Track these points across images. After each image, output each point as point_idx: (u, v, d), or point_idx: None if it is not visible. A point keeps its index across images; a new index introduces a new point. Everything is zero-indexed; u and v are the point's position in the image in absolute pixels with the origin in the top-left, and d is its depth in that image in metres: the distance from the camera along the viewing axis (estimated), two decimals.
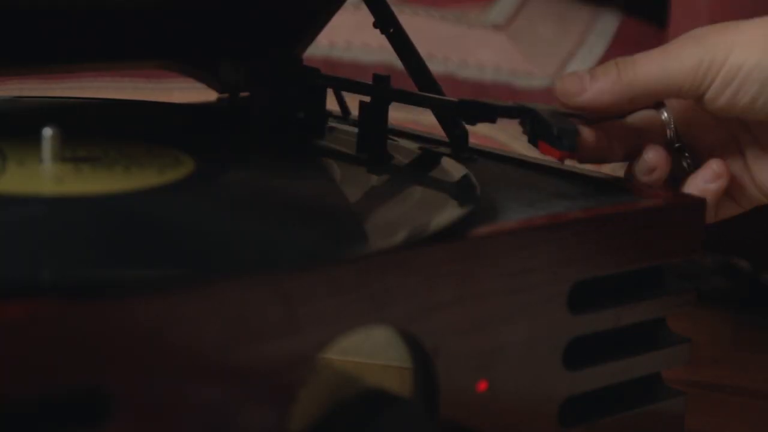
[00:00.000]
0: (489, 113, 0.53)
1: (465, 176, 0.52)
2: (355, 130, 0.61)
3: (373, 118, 0.59)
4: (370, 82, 0.60)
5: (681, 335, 0.54)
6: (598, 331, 0.50)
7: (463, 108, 0.54)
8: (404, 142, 0.59)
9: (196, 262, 0.40)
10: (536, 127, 0.53)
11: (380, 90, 0.57)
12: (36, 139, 0.49)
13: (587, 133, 0.55)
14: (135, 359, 0.37)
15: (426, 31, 1.13)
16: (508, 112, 0.53)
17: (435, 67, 1.07)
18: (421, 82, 0.59)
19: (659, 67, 0.54)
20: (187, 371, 0.38)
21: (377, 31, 0.60)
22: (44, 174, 0.48)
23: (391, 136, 0.59)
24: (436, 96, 0.58)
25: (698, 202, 0.53)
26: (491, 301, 0.46)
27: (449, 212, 0.47)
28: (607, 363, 0.51)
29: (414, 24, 1.08)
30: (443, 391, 0.45)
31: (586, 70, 0.55)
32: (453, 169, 0.53)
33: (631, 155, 0.57)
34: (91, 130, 0.58)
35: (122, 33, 0.65)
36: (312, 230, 0.45)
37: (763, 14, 0.56)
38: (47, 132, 0.49)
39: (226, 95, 0.69)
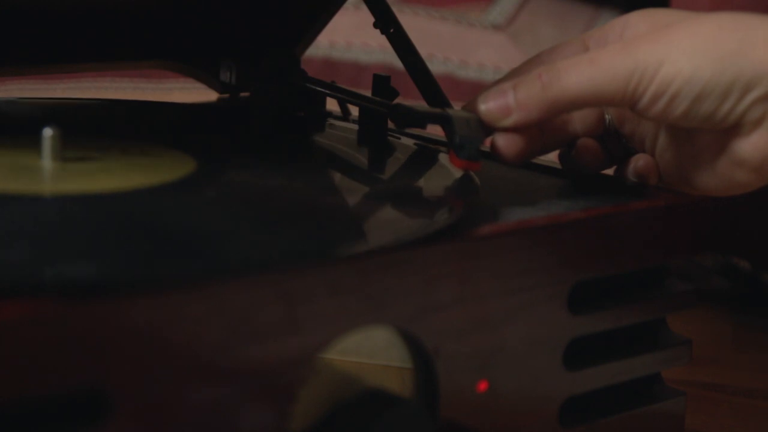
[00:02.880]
0: (418, 119, 0.53)
1: (465, 176, 0.52)
2: (355, 129, 0.61)
3: (374, 118, 0.59)
4: (370, 83, 0.61)
5: (681, 335, 0.54)
6: (598, 331, 0.50)
7: (394, 113, 0.54)
8: (404, 142, 0.59)
9: (196, 262, 0.40)
10: (448, 135, 0.53)
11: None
12: (36, 139, 0.49)
13: (515, 138, 0.53)
14: (135, 359, 0.37)
15: (426, 31, 1.14)
16: (433, 119, 0.53)
17: (435, 67, 1.07)
18: (421, 82, 0.59)
19: (588, 78, 0.52)
20: (187, 371, 0.39)
21: (377, 31, 0.61)
22: (44, 174, 0.48)
23: (391, 136, 0.59)
24: (374, 98, 0.58)
25: (698, 203, 0.53)
26: (491, 301, 0.46)
27: (449, 212, 0.47)
28: (607, 363, 0.51)
29: (414, 24, 1.08)
30: (443, 392, 0.45)
31: (509, 82, 0.53)
32: (452, 168, 0.53)
33: (567, 142, 0.56)
34: (91, 130, 0.58)
35: (122, 33, 0.65)
36: (312, 230, 0.45)
37: (764, 11, 0.56)
38: (47, 132, 0.49)
39: (226, 95, 0.69)
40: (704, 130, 0.53)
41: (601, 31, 0.57)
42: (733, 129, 0.52)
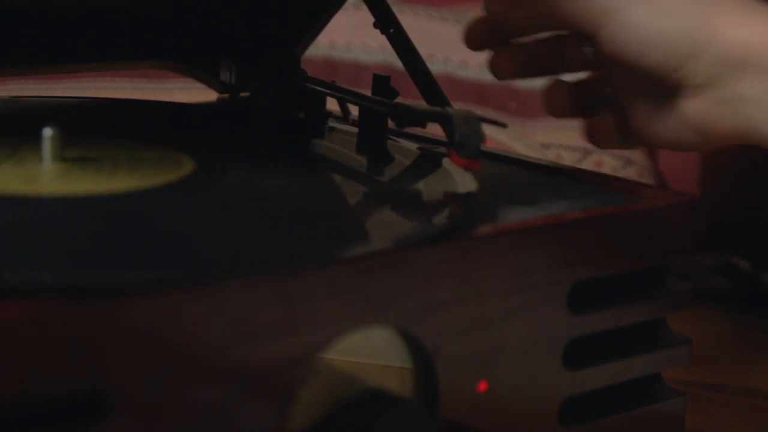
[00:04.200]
0: (418, 118, 0.54)
1: (465, 176, 0.52)
2: (356, 130, 0.61)
3: (374, 118, 0.59)
4: (370, 83, 0.61)
5: (681, 335, 0.54)
6: (598, 331, 0.50)
7: (395, 112, 0.55)
8: (404, 142, 0.59)
9: (196, 263, 0.40)
10: (448, 134, 0.53)
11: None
12: (36, 139, 0.49)
13: (505, 55, 0.60)
14: (135, 359, 0.37)
15: (426, 31, 1.13)
16: (433, 118, 0.54)
17: (435, 67, 1.07)
18: (421, 82, 0.59)
19: None
20: (187, 371, 0.39)
21: (377, 31, 0.61)
22: (44, 174, 0.48)
23: (391, 136, 0.59)
24: (374, 97, 0.58)
25: (698, 203, 0.53)
26: (491, 301, 0.46)
27: (449, 212, 0.47)
28: (607, 363, 0.51)
29: (414, 24, 1.08)
30: (443, 392, 0.45)
31: None
32: (452, 168, 0.53)
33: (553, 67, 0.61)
34: (91, 130, 0.58)
35: (122, 33, 0.65)
36: (312, 231, 0.45)
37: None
38: (47, 132, 0.49)
39: (226, 95, 0.69)
40: (660, 84, 0.56)
41: None
42: (680, 88, 0.56)
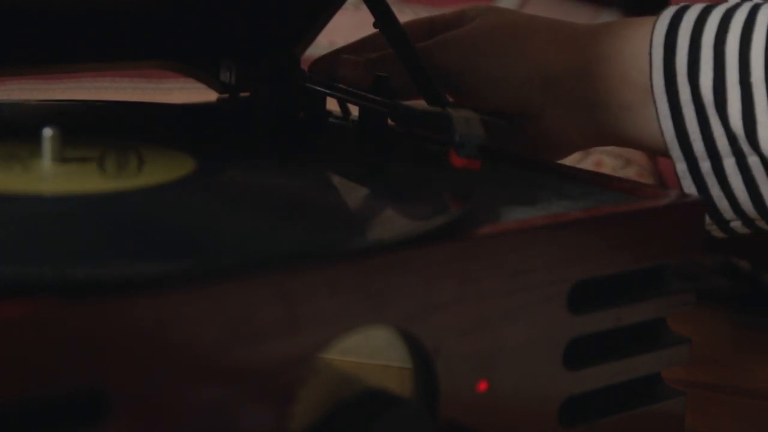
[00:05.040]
0: (418, 118, 0.54)
1: (465, 175, 0.52)
2: (355, 129, 0.61)
3: (373, 118, 0.59)
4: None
5: (681, 335, 0.54)
6: (598, 331, 0.50)
7: (394, 112, 0.55)
8: (404, 141, 0.59)
9: (196, 262, 0.40)
10: (448, 134, 0.53)
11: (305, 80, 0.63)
12: (36, 139, 0.49)
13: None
14: (135, 359, 0.37)
15: None
16: (432, 118, 0.54)
17: None
18: (420, 82, 0.59)
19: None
20: (187, 371, 0.39)
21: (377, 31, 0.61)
22: (44, 174, 0.48)
23: (389, 135, 0.60)
24: (374, 97, 0.58)
25: (698, 202, 0.53)
26: (491, 301, 0.46)
27: (449, 211, 0.47)
28: (607, 363, 0.51)
29: None
30: (443, 392, 0.45)
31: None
32: (453, 167, 0.53)
33: None
34: (91, 130, 0.58)
35: (122, 33, 0.65)
36: (312, 230, 0.45)
37: None
38: (47, 132, 0.49)
39: (226, 95, 0.69)
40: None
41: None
42: (523, 112, 0.62)
